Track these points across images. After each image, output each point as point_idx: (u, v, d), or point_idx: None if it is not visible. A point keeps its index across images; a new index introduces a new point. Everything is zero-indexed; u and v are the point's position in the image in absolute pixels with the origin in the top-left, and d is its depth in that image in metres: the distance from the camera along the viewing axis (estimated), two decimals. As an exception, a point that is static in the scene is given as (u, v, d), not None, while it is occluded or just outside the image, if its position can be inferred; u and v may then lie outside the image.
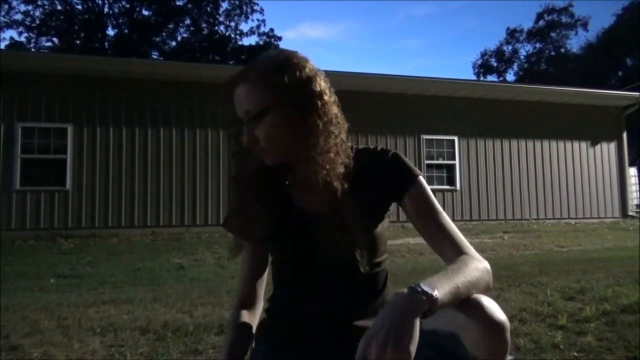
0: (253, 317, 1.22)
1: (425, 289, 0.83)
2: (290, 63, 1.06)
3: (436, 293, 0.83)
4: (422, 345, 0.93)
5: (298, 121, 1.05)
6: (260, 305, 1.25)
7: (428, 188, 1.14)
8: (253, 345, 1.24)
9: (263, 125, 1.05)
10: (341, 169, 1.08)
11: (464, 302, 0.90)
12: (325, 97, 1.07)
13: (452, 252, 1.06)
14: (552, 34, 36.71)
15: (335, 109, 1.10)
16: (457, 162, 11.72)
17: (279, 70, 1.04)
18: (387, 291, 1.20)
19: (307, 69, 1.07)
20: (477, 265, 0.98)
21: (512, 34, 38.45)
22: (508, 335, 0.88)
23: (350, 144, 1.14)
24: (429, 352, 0.91)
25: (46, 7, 27.04)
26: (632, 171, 15.36)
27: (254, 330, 1.20)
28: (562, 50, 36.90)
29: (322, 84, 1.08)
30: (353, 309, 1.13)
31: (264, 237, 1.15)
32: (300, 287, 1.15)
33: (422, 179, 1.14)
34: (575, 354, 2.31)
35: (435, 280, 0.87)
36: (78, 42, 27.76)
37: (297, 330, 1.13)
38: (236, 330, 1.18)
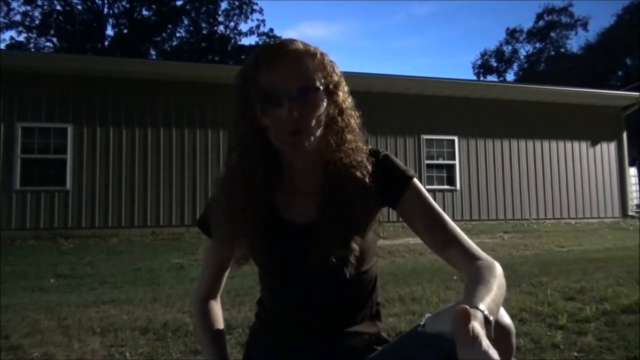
0: (219, 309, 1.22)
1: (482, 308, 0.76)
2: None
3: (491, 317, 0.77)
4: (425, 348, 0.92)
5: (337, 113, 1.05)
6: (219, 293, 1.24)
7: (424, 189, 1.09)
8: (245, 351, 1.23)
9: (313, 105, 1.00)
10: (369, 166, 1.06)
11: None
12: (350, 99, 1.10)
13: (462, 258, 1.01)
14: (552, 34, 36.74)
15: (355, 110, 1.12)
16: (457, 162, 11.72)
17: (329, 58, 1.05)
18: (376, 294, 1.18)
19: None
20: (497, 272, 0.92)
21: (512, 34, 38.51)
22: (513, 339, 0.87)
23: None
24: (434, 356, 0.90)
25: (45, 7, 27.06)
26: (632, 171, 15.36)
27: (222, 324, 1.20)
28: (562, 50, 36.92)
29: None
30: (342, 315, 1.11)
31: (239, 243, 1.10)
32: (288, 294, 1.12)
33: (416, 180, 1.10)
34: (575, 354, 2.31)
35: (489, 303, 0.79)
36: (78, 42, 27.75)
37: (288, 336, 1.12)
38: (212, 328, 1.17)
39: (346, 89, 1.08)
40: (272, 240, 1.08)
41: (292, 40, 1.01)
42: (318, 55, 1.02)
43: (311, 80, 0.99)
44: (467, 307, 0.65)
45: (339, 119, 1.06)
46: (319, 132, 1.03)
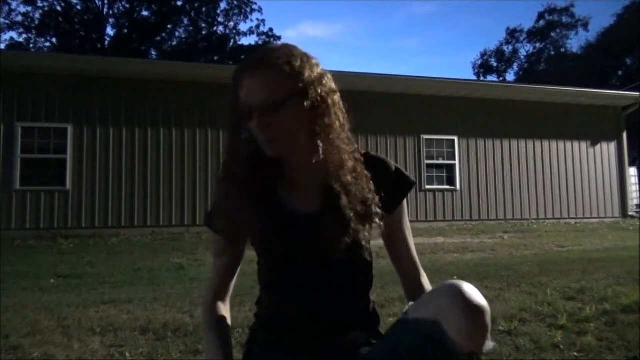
0: (227, 311, 1.22)
1: None
2: (304, 57, 1.07)
3: None
4: (407, 334, 0.94)
5: (312, 115, 1.05)
6: (229, 297, 1.25)
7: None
8: (245, 351, 1.23)
9: (279, 116, 1.03)
10: (350, 164, 1.09)
11: (446, 289, 0.91)
12: (336, 97, 1.10)
13: (418, 273, 1.27)
14: (552, 34, 36.72)
15: (342, 107, 1.12)
16: (457, 162, 11.72)
17: (296, 63, 1.05)
18: (371, 290, 1.20)
19: (318, 66, 1.10)
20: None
21: (512, 34, 38.47)
22: (488, 319, 0.88)
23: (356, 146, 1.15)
24: (414, 341, 0.92)
25: (45, 7, 27.05)
26: (632, 171, 15.36)
27: (229, 327, 1.20)
28: (562, 50, 36.90)
29: (330, 82, 1.11)
30: (341, 310, 1.12)
31: (248, 239, 1.14)
32: (288, 290, 1.13)
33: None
34: (575, 354, 2.31)
35: None
36: (78, 42, 27.75)
37: (288, 333, 1.12)
38: (219, 328, 1.17)
39: (325, 81, 1.08)
40: (277, 232, 1.10)
41: (260, 53, 1.06)
42: (281, 64, 1.03)
43: (275, 93, 1.02)
44: None
45: (318, 114, 1.06)
46: (302, 137, 1.06)
